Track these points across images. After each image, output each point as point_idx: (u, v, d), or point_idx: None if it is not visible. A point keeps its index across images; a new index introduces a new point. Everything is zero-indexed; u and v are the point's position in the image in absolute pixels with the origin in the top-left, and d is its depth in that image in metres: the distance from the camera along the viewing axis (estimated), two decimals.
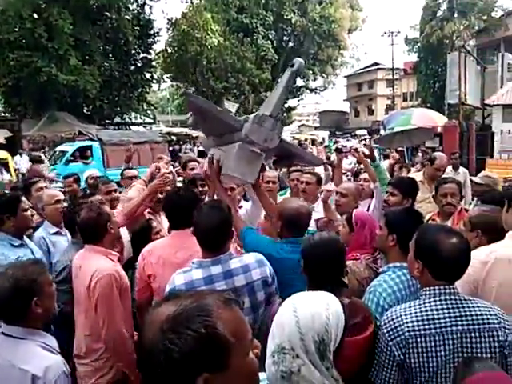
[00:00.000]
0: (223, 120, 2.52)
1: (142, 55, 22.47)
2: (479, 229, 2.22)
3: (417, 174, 4.71)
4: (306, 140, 24.19)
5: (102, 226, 2.36)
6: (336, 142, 19.11)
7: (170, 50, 27.00)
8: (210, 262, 1.93)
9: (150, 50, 23.41)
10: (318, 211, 3.35)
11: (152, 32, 22.61)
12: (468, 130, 8.96)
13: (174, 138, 21.07)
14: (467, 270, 1.72)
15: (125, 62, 21.42)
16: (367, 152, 3.74)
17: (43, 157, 11.80)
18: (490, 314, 1.62)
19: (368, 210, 3.73)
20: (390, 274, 2.03)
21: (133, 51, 21.67)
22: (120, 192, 4.03)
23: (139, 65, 22.36)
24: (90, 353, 2.31)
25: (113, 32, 20.27)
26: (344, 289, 1.85)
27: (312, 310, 1.22)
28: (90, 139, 15.24)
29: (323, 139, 28.52)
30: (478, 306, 1.64)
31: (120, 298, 2.28)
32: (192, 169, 4.32)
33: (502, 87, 12.21)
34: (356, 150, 3.90)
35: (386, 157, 8.70)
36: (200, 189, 3.48)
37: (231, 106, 20.50)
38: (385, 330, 1.67)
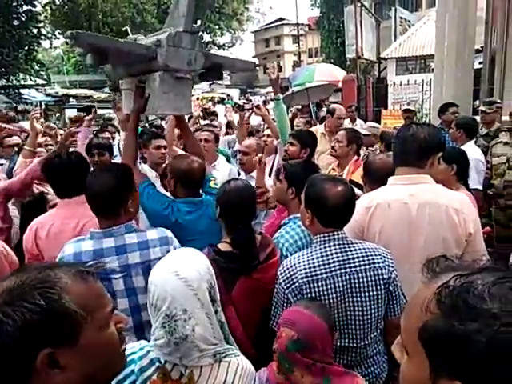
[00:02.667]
0: (131, 52, 2.10)
1: (25, 8, 19.93)
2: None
3: (319, 127, 4.86)
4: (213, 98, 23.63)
5: None
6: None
7: (58, 2, 24.35)
8: (101, 233, 1.77)
9: (35, 2, 20.82)
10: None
11: None
12: (365, 83, 9.43)
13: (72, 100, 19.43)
14: (353, 217, 1.81)
15: (5, 16, 18.86)
16: (273, 76, 3.45)
17: None
18: (375, 255, 1.73)
19: (272, 166, 3.79)
20: (290, 225, 2.10)
21: (14, 3, 19.13)
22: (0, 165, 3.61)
23: (23, 19, 19.85)
24: None
25: None
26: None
27: (192, 264, 1.23)
28: None
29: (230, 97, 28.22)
30: (364, 248, 1.74)
31: None
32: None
33: (395, 41, 12.94)
34: (258, 106, 3.86)
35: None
36: (96, 158, 3.25)
37: None
38: (281, 280, 1.72)
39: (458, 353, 0.59)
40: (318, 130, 4.56)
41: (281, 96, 3.64)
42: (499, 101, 5.21)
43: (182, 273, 1.19)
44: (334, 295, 1.68)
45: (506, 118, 4.98)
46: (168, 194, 2.41)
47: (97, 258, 1.71)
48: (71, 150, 3.11)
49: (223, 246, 1.86)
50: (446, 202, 1.89)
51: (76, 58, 34.37)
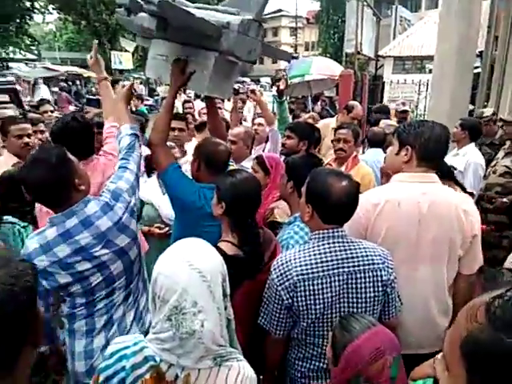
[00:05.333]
0: (199, 30, 1.93)
1: None
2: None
3: (331, 120, 4.75)
4: None
5: None
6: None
7: None
8: (61, 216, 1.63)
9: None
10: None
11: None
12: (362, 80, 9.35)
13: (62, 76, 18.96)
14: (357, 213, 1.73)
15: None
16: (282, 86, 3.69)
17: None
18: (375, 255, 1.66)
19: None
20: (298, 224, 1.99)
21: None
22: None
23: None
24: None
25: None
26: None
27: (205, 255, 1.15)
28: None
29: None
30: (364, 248, 1.66)
31: None
32: None
33: (394, 40, 12.88)
34: (253, 91, 3.76)
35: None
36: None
37: (128, 45, 18.82)
38: (274, 276, 1.64)
39: (501, 370, 0.50)
40: (330, 123, 4.45)
41: (284, 98, 3.75)
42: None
43: (195, 263, 1.09)
44: (330, 294, 1.60)
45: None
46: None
47: (67, 240, 1.60)
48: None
49: (227, 248, 1.70)
50: (456, 202, 1.84)
51: (69, 35, 33.68)
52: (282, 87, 3.71)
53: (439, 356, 0.66)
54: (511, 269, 2.12)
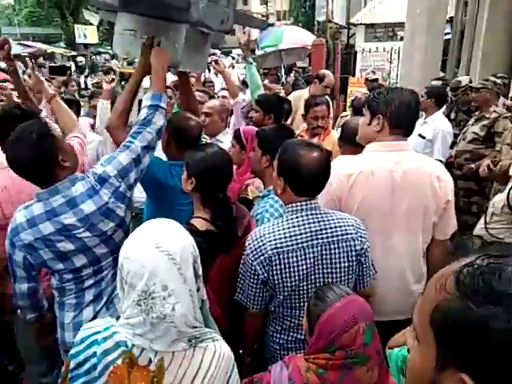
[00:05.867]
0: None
1: None
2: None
3: (303, 92, 4.67)
4: None
5: None
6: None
7: None
8: (46, 192, 1.62)
9: None
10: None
11: None
12: (334, 49, 9.25)
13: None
14: (331, 185, 1.71)
15: None
16: (252, 46, 3.56)
17: None
18: (348, 225, 1.66)
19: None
20: (272, 197, 1.96)
21: None
22: None
23: None
24: None
25: None
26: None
27: (174, 236, 1.09)
28: None
29: None
30: (337, 219, 1.66)
31: None
32: None
33: (365, 7, 12.72)
34: (216, 61, 3.67)
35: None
36: None
37: (92, 18, 18.02)
38: (249, 251, 1.63)
39: (470, 341, 0.49)
40: (303, 95, 4.37)
41: (251, 59, 3.53)
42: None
43: (163, 245, 1.04)
44: (305, 267, 1.60)
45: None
46: None
47: (51, 218, 1.59)
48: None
49: (200, 224, 1.67)
50: (429, 169, 1.85)
51: (29, 9, 31.95)
52: (242, 41, 3.47)
53: (410, 329, 0.66)
54: (481, 236, 2.18)
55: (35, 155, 1.56)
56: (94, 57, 20.93)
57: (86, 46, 20.04)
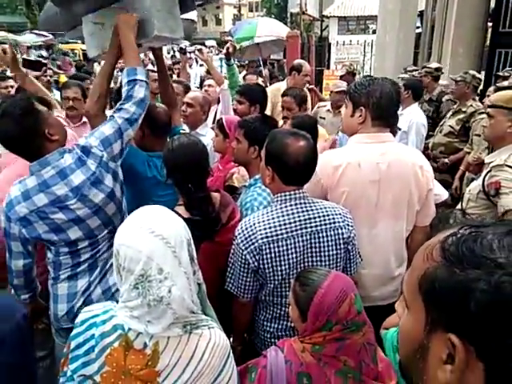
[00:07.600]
0: None
1: None
2: None
3: (281, 84, 4.68)
4: None
5: None
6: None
7: None
8: (37, 164, 1.66)
9: None
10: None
11: None
12: (308, 41, 9.29)
13: None
14: (318, 176, 1.74)
15: None
16: (231, 49, 3.68)
17: None
18: (336, 214, 1.70)
19: (215, 117, 3.65)
20: (259, 185, 1.97)
21: None
22: None
23: None
24: None
25: None
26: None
27: (166, 220, 1.12)
28: None
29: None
30: (325, 208, 1.69)
31: None
32: None
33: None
34: (200, 50, 3.69)
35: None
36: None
37: None
38: (239, 240, 1.65)
39: (456, 302, 0.54)
40: (281, 87, 4.38)
41: (232, 61, 3.70)
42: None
43: (157, 230, 1.07)
44: (295, 255, 1.63)
45: (444, 82, 5.15)
46: None
47: (44, 190, 1.65)
48: None
49: (182, 211, 1.71)
50: (413, 159, 1.90)
51: None
52: (230, 50, 3.66)
53: (399, 300, 0.70)
54: (463, 209, 2.27)
55: (21, 130, 1.60)
56: (61, 45, 20.25)
57: (54, 34, 19.35)
